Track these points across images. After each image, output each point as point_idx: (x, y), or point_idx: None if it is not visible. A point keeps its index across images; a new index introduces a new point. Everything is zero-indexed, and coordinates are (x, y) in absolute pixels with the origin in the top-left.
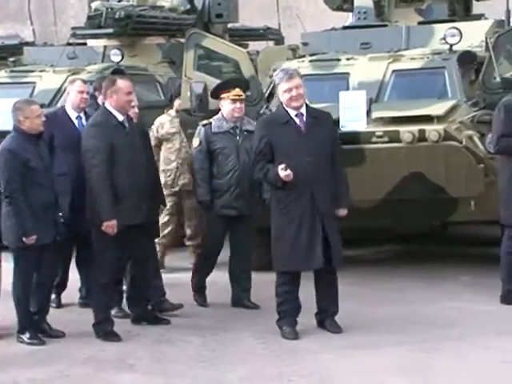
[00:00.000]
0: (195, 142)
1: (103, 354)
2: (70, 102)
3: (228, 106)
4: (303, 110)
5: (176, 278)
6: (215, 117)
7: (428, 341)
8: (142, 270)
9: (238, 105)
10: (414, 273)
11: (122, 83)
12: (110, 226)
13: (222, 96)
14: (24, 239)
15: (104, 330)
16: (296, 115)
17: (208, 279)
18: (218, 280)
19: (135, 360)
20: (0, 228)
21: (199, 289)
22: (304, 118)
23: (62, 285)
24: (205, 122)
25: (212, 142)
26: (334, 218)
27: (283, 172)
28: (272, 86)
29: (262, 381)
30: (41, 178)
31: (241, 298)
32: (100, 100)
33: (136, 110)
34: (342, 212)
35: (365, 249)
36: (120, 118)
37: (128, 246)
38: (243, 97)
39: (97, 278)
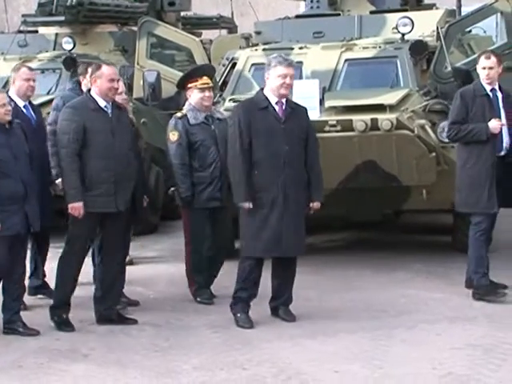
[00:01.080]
0: (173, 135)
1: (57, 344)
2: (16, 90)
3: (196, 95)
4: (283, 99)
5: None
6: (186, 108)
7: (381, 328)
8: (112, 263)
9: (206, 93)
10: (366, 261)
11: (106, 69)
12: (76, 207)
13: (189, 86)
14: None
15: (59, 316)
16: (276, 103)
17: (163, 269)
18: (172, 270)
19: (89, 350)
20: None
21: (202, 289)
22: (283, 107)
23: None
24: (179, 114)
25: (192, 134)
26: (302, 207)
27: None
28: (226, 74)
29: (215, 370)
30: (7, 169)
31: (208, 283)
32: (84, 85)
33: (124, 96)
34: (316, 205)
35: (317, 237)
36: (102, 103)
37: (101, 234)
38: (211, 85)
39: (65, 262)
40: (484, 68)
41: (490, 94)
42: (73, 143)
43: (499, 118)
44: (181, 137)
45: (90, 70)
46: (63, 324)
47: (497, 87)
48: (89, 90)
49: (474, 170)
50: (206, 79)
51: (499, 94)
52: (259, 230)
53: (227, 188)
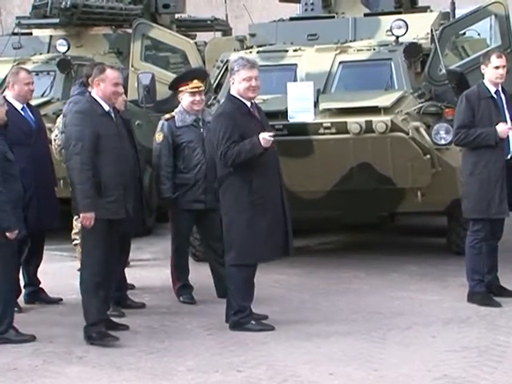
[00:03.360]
0: (158, 136)
1: (51, 346)
2: (15, 94)
3: (187, 98)
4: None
5: None
6: (176, 110)
7: (376, 330)
8: (114, 268)
9: (197, 97)
10: (361, 263)
11: (110, 73)
12: (88, 217)
13: (181, 89)
14: (7, 234)
15: (98, 332)
16: (251, 106)
17: (158, 271)
18: (167, 273)
19: (84, 352)
20: None
21: (185, 288)
22: (256, 111)
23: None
24: (167, 116)
25: (177, 136)
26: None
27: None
28: (220, 76)
29: (210, 372)
30: (14, 170)
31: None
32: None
33: (124, 97)
34: None
35: (312, 239)
36: (106, 107)
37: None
38: (202, 88)
39: (89, 278)
40: (497, 67)
41: (495, 96)
42: (88, 150)
43: (505, 120)
44: (165, 138)
45: (93, 72)
46: (105, 337)
47: (500, 89)
48: (89, 92)
49: (484, 175)
50: (196, 83)
51: (503, 96)
52: (264, 234)
53: (213, 192)
